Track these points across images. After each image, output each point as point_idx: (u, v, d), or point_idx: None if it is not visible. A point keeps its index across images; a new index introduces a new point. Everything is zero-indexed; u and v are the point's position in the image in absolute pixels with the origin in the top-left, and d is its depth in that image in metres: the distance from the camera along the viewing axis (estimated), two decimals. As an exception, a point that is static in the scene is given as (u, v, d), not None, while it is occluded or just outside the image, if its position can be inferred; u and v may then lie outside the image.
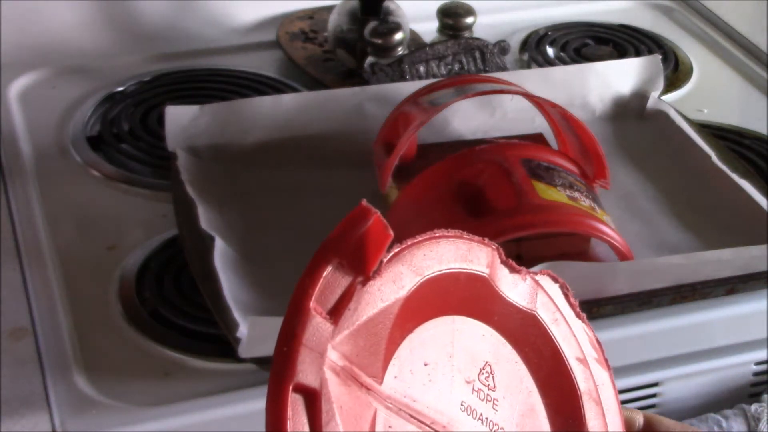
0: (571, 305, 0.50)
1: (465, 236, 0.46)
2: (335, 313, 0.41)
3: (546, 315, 0.49)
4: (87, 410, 0.71)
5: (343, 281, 0.41)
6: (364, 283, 0.41)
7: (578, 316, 0.50)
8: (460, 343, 0.45)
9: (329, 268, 0.41)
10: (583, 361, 0.49)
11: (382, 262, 0.42)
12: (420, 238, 0.44)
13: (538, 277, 0.49)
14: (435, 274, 0.44)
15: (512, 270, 0.48)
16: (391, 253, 0.43)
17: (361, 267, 0.42)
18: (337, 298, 0.41)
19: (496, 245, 0.47)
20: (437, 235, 0.45)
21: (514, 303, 0.48)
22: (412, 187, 0.83)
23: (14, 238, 0.87)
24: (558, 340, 0.49)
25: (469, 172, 0.82)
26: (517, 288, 0.48)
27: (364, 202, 0.41)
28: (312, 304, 0.41)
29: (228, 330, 0.72)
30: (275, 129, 0.93)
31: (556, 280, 0.50)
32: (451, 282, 0.45)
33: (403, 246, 0.43)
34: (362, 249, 0.41)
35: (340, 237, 0.41)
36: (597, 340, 0.50)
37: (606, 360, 0.50)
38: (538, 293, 0.49)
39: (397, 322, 0.42)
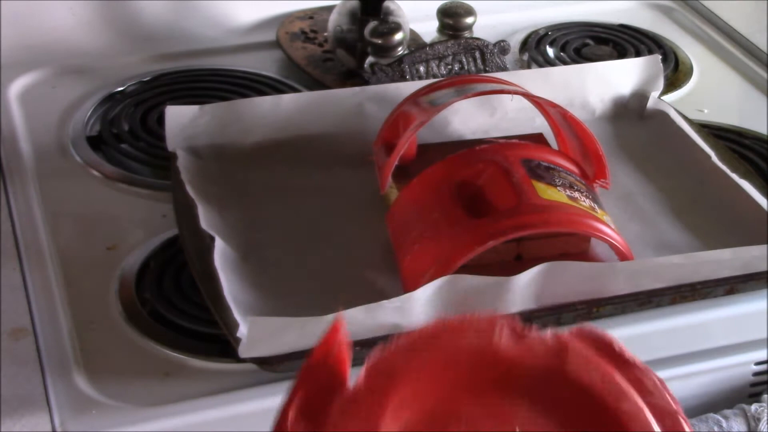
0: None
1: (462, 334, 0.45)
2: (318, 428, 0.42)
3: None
4: (87, 410, 0.71)
5: (323, 399, 0.43)
6: (344, 398, 0.43)
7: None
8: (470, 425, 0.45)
9: (305, 390, 0.43)
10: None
11: (362, 374, 0.43)
12: (409, 341, 0.44)
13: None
14: (426, 369, 0.45)
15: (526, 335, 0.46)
16: (372, 362, 0.43)
17: (339, 383, 0.43)
18: (318, 415, 0.43)
19: (502, 320, 0.46)
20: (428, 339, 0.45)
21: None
22: (411, 187, 0.83)
23: (14, 238, 0.87)
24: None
25: (468, 172, 0.82)
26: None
27: (339, 321, 0.42)
28: (290, 427, 0.42)
29: (228, 330, 0.72)
30: (275, 129, 0.93)
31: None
32: (451, 367, 0.45)
33: (386, 353, 0.44)
34: (336, 366, 0.43)
35: (314, 362, 0.43)
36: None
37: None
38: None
39: (386, 423, 0.43)
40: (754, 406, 0.85)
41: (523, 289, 0.74)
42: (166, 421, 0.71)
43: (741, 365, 0.87)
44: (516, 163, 0.81)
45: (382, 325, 0.72)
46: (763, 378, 0.88)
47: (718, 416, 0.84)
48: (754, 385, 0.88)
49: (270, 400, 0.72)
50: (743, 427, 0.83)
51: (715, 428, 0.83)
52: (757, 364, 0.87)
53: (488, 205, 0.80)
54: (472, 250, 0.76)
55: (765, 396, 0.87)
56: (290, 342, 0.70)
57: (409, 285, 0.77)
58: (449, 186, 0.81)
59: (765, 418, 0.84)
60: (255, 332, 0.68)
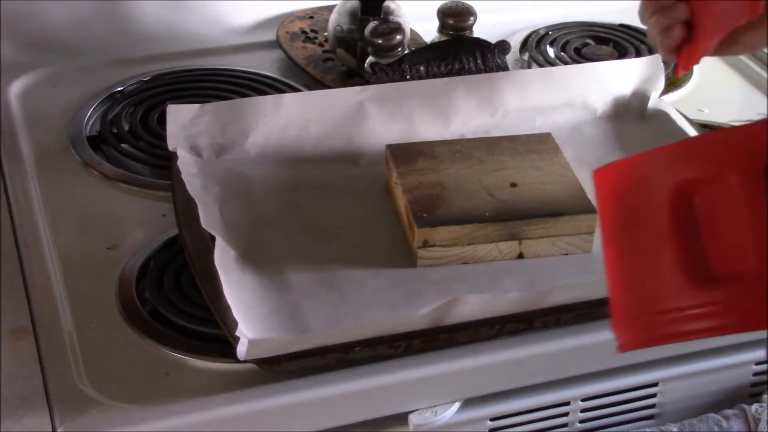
0: None
1: None
2: None
3: None
4: (87, 410, 0.71)
5: None
6: None
7: None
8: None
9: None
10: None
11: None
12: None
13: None
14: None
15: None
16: None
17: None
18: None
19: None
20: None
21: None
22: (636, 163, 0.57)
23: (14, 238, 0.87)
24: None
25: (690, 176, 0.53)
26: None
27: None
28: None
29: (228, 330, 0.72)
30: (275, 129, 0.93)
31: None
32: None
33: None
34: None
35: None
36: None
37: None
38: None
39: None
40: (754, 406, 0.85)
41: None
42: (166, 421, 0.71)
43: (741, 365, 0.87)
44: (758, 180, 0.50)
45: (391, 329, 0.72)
46: (763, 378, 0.88)
47: (718, 416, 0.84)
48: (754, 385, 0.88)
49: (270, 400, 0.72)
50: (743, 427, 0.83)
51: (715, 428, 0.83)
52: (757, 364, 0.87)
53: (703, 255, 0.53)
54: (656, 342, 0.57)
55: (765, 396, 0.87)
56: (290, 344, 0.70)
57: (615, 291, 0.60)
58: (667, 189, 0.55)
59: (765, 418, 0.84)
60: (253, 351, 0.69)
